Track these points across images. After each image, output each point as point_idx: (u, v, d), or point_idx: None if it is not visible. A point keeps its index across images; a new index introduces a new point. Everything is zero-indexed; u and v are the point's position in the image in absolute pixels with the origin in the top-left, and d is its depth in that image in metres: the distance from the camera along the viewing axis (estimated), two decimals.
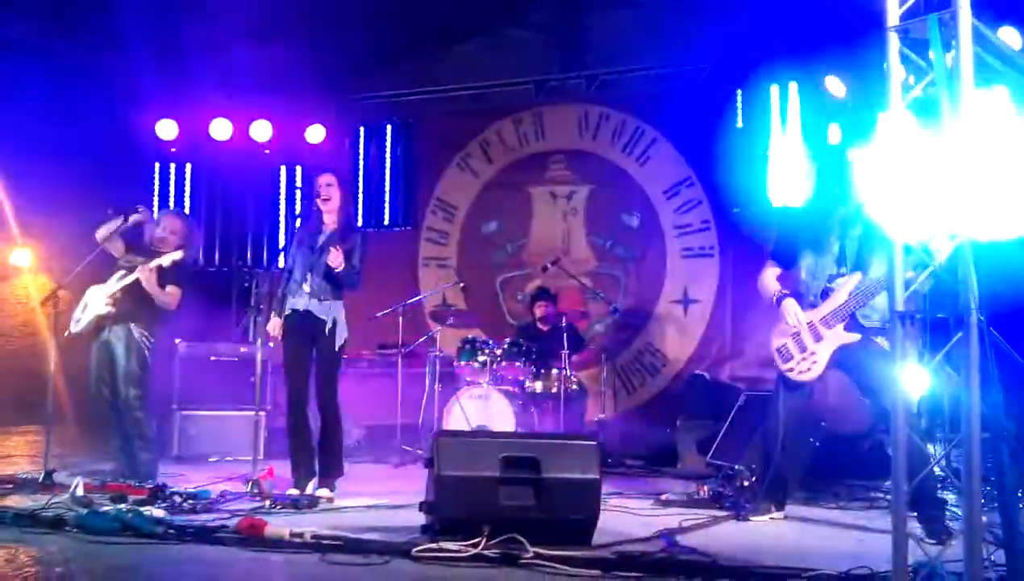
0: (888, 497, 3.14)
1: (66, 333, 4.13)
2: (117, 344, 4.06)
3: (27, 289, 6.85)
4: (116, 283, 4.09)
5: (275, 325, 3.88)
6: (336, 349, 3.81)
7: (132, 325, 4.06)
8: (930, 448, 3.56)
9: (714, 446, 4.56)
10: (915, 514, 2.95)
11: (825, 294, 3.33)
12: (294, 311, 3.82)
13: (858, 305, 3.24)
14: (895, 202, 2.05)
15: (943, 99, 2.00)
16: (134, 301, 4.07)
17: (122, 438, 4.12)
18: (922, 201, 2.05)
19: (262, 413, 5.14)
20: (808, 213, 3.50)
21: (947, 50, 2.03)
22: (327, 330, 3.78)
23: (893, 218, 2.05)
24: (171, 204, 6.70)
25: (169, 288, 4.13)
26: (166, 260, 4.05)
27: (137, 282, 4.04)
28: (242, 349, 5.70)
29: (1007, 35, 4.21)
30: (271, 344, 5.57)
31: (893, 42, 2.03)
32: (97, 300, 4.11)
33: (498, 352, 5.36)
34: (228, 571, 2.35)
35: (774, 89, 5.90)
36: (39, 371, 4.24)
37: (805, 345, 3.34)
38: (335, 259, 3.71)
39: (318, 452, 3.84)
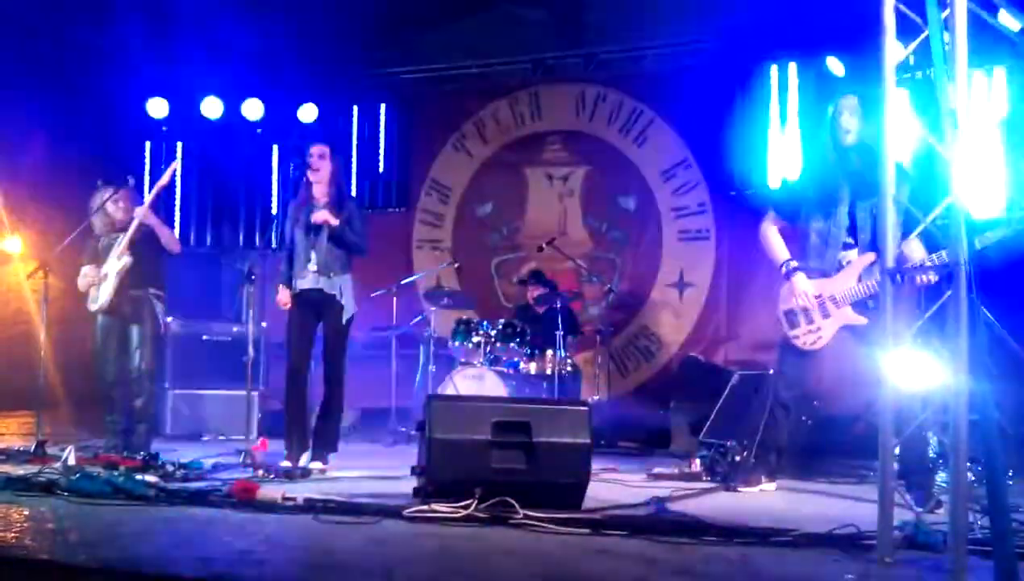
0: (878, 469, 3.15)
1: (93, 308, 4.14)
2: (133, 314, 4.11)
3: (18, 276, 6.82)
4: (119, 246, 4.09)
5: (285, 294, 3.87)
6: (344, 322, 3.81)
7: (150, 289, 4.13)
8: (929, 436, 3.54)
9: (707, 424, 4.57)
10: (904, 483, 2.97)
11: (839, 268, 3.21)
12: (302, 291, 3.81)
13: (868, 295, 3.13)
14: (891, 161, 2.06)
15: (937, 57, 2.00)
16: (144, 266, 4.11)
17: (120, 411, 4.14)
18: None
19: (254, 393, 5.16)
20: (813, 176, 3.32)
21: (943, 8, 2.03)
22: (336, 303, 3.78)
23: (888, 176, 2.05)
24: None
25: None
26: (165, 178, 4.12)
27: (142, 244, 4.07)
28: (235, 328, 5.69)
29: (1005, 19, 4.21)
30: (264, 324, 5.60)
31: None
32: (111, 267, 4.10)
33: (492, 333, 5.37)
34: (218, 528, 2.35)
35: (774, 69, 5.90)
36: (33, 358, 4.28)
37: (812, 318, 3.26)
38: (322, 217, 3.69)
39: (317, 423, 3.85)
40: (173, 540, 2.17)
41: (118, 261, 4.08)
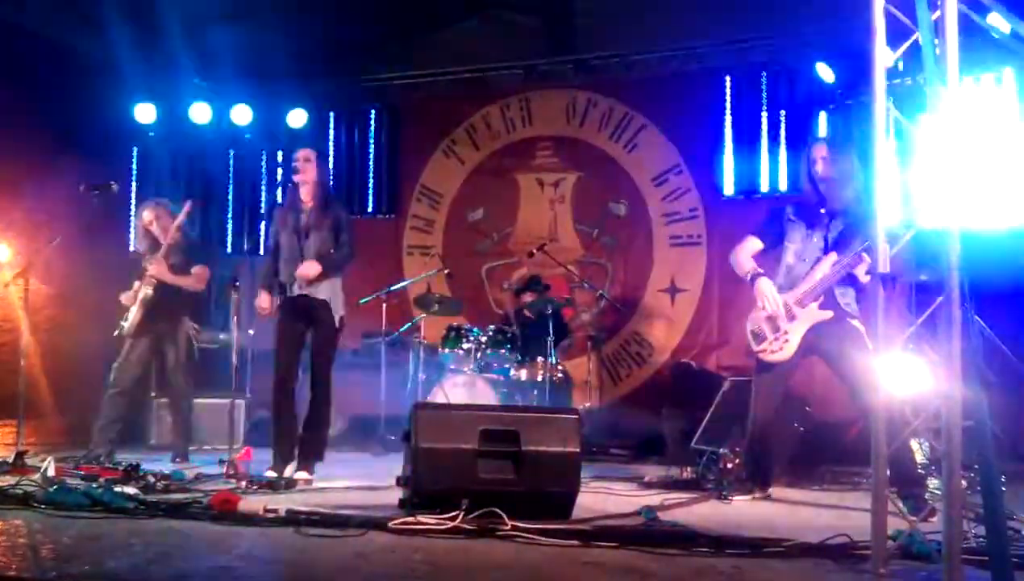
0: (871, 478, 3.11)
1: (115, 333, 4.35)
2: (167, 339, 4.36)
3: (5, 285, 6.74)
4: (149, 273, 4.27)
5: (264, 299, 3.82)
6: (333, 326, 3.77)
7: (185, 318, 4.39)
8: (915, 444, 3.53)
9: (699, 431, 4.54)
10: (896, 490, 2.95)
11: (806, 276, 3.33)
12: (291, 297, 3.76)
13: (833, 281, 3.23)
14: (881, 165, 2.03)
15: (927, 60, 1.98)
16: (177, 293, 4.31)
17: (113, 423, 4.24)
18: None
19: (240, 401, 5.10)
20: (800, 204, 3.46)
21: (933, 9, 2.00)
22: (325, 308, 3.74)
23: (880, 180, 2.02)
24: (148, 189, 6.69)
25: (195, 269, 4.37)
26: (180, 219, 4.26)
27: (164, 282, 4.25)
28: (222, 335, 5.61)
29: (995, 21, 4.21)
30: (251, 331, 5.53)
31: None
32: (141, 290, 4.27)
33: (483, 339, 5.32)
34: (196, 541, 2.29)
35: (764, 75, 5.90)
36: (19, 366, 4.25)
37: (778, 325, 3.34)
38: (309, 272, 3.68)
39: (303, 432, 3.79)
40: (149, 554, 2.10)
41: (144, 290, 4.26)
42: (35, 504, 2.73)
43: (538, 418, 2.85)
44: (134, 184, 6.71)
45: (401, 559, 2.18)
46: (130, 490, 2.93)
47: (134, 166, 6.80)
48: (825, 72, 5.47)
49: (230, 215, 6.87)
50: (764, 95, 5.91)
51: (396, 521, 2.48)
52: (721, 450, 3.91)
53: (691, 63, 6.06)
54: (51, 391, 5.39)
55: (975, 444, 2.01)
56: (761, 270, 3.41)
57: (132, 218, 6.63)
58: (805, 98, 5.70)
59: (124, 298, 4.35)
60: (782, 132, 5.87)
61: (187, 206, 4.38)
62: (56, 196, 5.52)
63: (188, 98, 6.53)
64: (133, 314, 4.28)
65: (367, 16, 5.96)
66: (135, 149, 6.78)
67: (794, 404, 4.20)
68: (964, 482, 2.64)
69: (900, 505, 2.79)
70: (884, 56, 2.03)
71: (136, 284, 4.34)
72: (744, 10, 5.64)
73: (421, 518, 2.48)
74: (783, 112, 5.87)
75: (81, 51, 6.05)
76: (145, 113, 6.54)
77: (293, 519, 2.54)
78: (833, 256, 3.25)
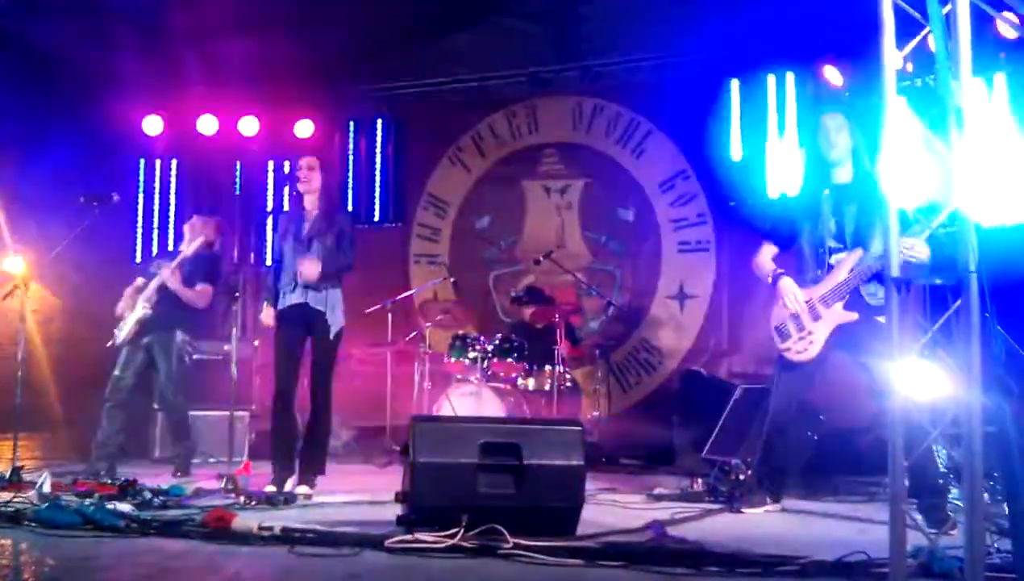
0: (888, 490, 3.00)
1: (108, 343, 4.33)
2: (158, 350, 4.31)
3: (20, 296, 6.77)
4: (148, 290, 4.27)
5: (268, 314, 3.80)
6: (331, 337, 3.71)
7: (177, 331, 4.34)
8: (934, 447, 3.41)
9: (710, 441, 4.43)
10: (915, 502, 2.84)
11: (828, 270, 3.22)
12: (290, 306, 3.72)
13: (859, 281, 3.12)
14: (892, 165, 1.94)
15: (939, 54, 1.89)
16: (175, 306, 4.28)
17: (112, 437, 4.22)
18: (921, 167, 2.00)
19: (243, 413, 5.06)
20: (803, 191, 3.38)
21: (944, 3, 1.92)
22: (323, 319, 3.69)
23: (889, 182, 1.93)
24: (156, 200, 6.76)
25: (199, 286, 4.36)
26: (189, 250, 4.27)
27: (166, 291, 4.25)
28: (226, 347, 5.55)
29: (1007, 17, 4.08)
30: (256, 343, 5.49)
31: None
32: (137, 308, 4.27)
33: (489, 348, 5.24)
34: (185, 562, 2.22)
35: (771, 79, 5.81)
36: (31, 379, 4.24)
37: (803, 324, 3.24)
38: (311, 272, 3.63)
39: (303, 445, 3.73)
40: (136, 576, 2.04)
41: (141, 310, 4.24)
42: (26, 522, 2.68)
43: (540, 430, 2.76)
44: (140, 196, 6.72)
45: (396, 580, 2.10)
46: (125, 507, 2.87)
47: (141, 178, 6.81)
48: (833, 75, 5.38)
49: (236, 226, 6.86)
50: (771, 99, 5.81)
51: (393, 539, 2.40)
52: (733, 460, 3.81)
53: (697, 67, 5.98)
54: (60, 403, 5.38)
55: (996, 452, 1.91)
56: (781, 270, 3.34)
57: (138, 229, 6.67)
58: (813, 101, 5.61)
59: (120, 304, 4.33)
60: (790, 136, 5.77)
61: (192, 245, 4.39)
62: (66, 209, 5.54)
63: (196, 110, 6.54)
64: (127, 326, 4.25)
65: (372, 25, 5.94)
66: (142, 161, 6.81)
67: (807, 412, 4.08)
68: (985, 493, 2.52)
69: (918, 518, 2.68)
70: (893, 52, 1.95)
71: (129, 290, 4.31)
72: (750, 13, 5.55)
73: (419, 536, 2.40)
74: (791, 116, 5.77)
75: (91, 65, 6.08)
76: (152, 125, 6.56)
77: (288, 537, 2.47)
78: (859, 252, 3.13)
